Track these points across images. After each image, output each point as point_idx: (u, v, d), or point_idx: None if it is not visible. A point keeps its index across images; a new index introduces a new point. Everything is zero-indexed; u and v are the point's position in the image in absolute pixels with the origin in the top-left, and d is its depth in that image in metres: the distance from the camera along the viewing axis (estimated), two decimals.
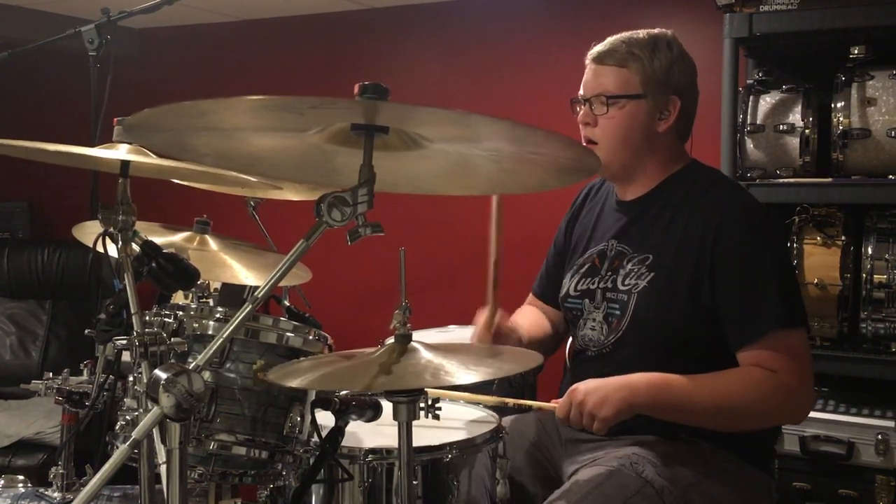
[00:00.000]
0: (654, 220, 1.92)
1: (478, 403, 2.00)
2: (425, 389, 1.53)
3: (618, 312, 1.88)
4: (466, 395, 1.99)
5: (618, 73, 1.90)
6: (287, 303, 2.18)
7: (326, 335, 1.80)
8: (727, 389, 1.76)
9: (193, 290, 2.02)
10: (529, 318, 2.23)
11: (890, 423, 2.43)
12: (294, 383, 1.53)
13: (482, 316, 1.97)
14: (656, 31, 1.94)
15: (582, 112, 1.95)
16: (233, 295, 2.00)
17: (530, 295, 2.31)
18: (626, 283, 1.88)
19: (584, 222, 2.12)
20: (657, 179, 1.95)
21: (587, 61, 1.96)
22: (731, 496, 1.79)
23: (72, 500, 1.93)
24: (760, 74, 2.72)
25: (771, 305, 1.76)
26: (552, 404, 1.81)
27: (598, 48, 1.94)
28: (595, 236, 2.04)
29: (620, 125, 1.90)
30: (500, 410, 2.02)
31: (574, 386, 1.77)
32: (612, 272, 1.94)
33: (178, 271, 1.54)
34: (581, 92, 1.96)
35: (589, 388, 1.74)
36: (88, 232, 1.90)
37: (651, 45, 1.90)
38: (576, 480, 1.77)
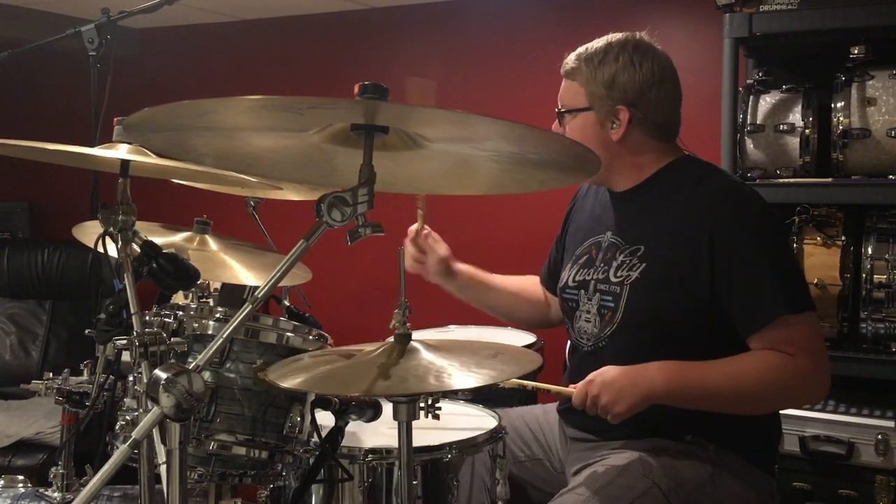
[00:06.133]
0: (645, 210, 1.91)
1: (497, 385, 1.97)
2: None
3: (611, 304, 1.88)
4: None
5: (570, 86, 1.94)
6: (287, 303, 2.18)
7: (326, 335, 1.80)
8: (742, 373, 1.75)
9: (193, 290, 2.02)
10: (523, 281, 2.30)
11: (890, 423, 2.43)
12: (294, 384, 1.52)
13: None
14: (619, 36, 1.91)
15: (553, 125, 1.99)
16: (233, 295, 1.99)
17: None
18: (619, 274, 1.88)
19: (583, 213, 2.13)
20: (646, 173, 1.93)
21: None
22: (737, 498, 1.80)
23: (72, 500, 1.93)
24: (760, 74, 2.72)
25: (775, 291, 1.76)
26: (570, 389, 1.81)
27: (564, 61, 1.97)
28: (592, 227, 2.05)
29: (576, 137, 1.89)
30: (500, 408, 2.02)
31: (591, 377, 1.76)
32: (605, 264, 1.94)
33: (178, 271, 1.54)
34: None
35: (606, 381, 1.74)
36: (88, 232, 1.90)
37: (600, 55, 1.89)
38: (581, 480, 1.76)
